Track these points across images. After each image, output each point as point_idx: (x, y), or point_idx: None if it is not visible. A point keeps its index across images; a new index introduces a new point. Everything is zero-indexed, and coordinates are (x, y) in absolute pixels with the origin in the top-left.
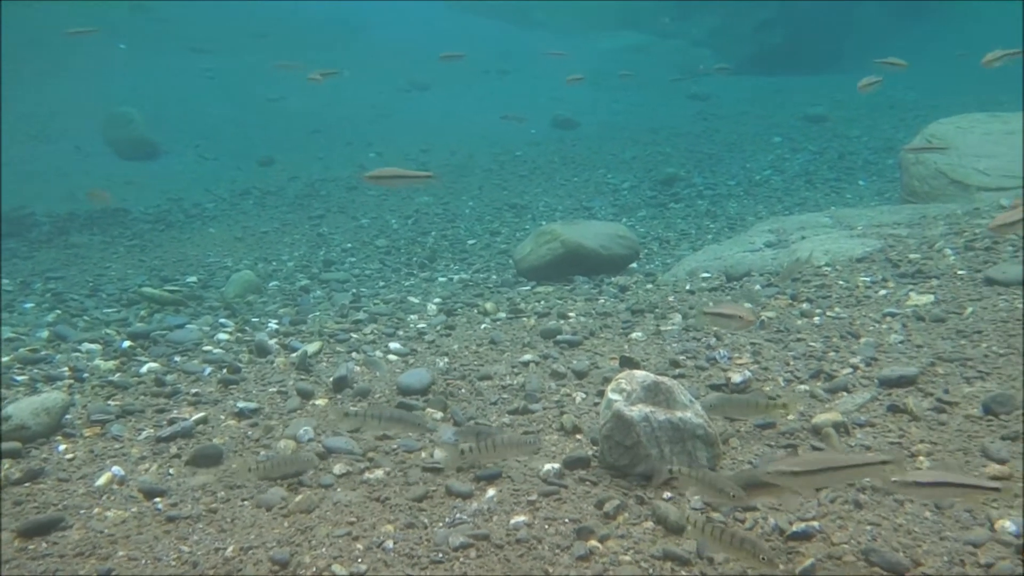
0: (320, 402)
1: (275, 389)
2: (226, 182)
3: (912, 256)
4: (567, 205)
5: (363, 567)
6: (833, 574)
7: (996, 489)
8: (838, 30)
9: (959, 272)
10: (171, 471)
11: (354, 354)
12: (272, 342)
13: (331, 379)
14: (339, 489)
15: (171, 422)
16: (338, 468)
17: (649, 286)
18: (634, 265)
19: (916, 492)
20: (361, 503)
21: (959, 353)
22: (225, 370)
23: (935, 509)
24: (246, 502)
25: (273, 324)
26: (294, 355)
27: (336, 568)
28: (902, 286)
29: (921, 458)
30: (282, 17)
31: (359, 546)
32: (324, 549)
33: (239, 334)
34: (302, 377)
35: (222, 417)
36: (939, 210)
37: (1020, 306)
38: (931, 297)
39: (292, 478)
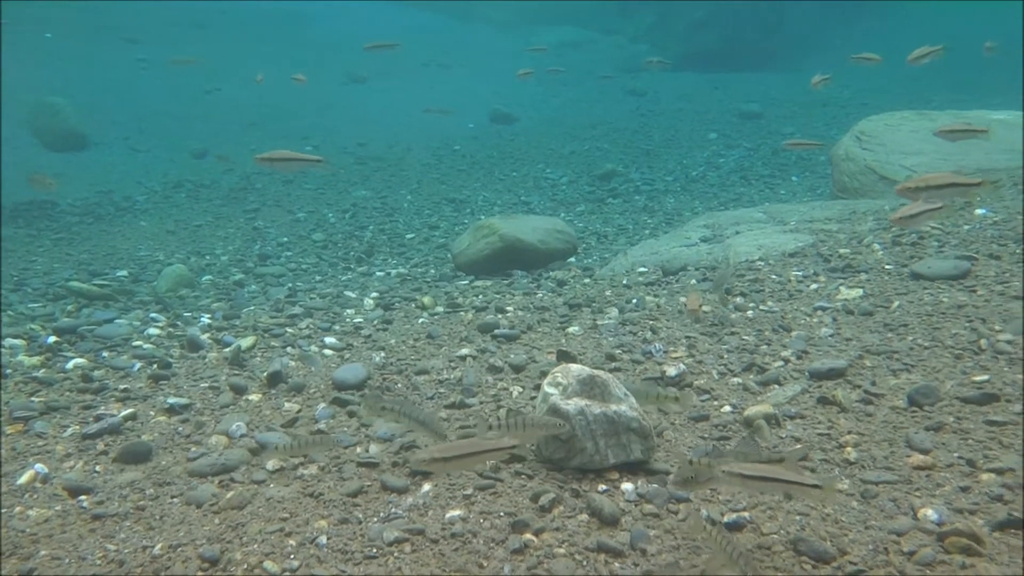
0: (253, 397)
1: (207, 384)
2: (158, 175)
3: (842, 251)
4: (506, 200)
5: (295, 563)
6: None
7: (817, 487)
8: (771, 29)
9: (887, 266)
10: (98, 468)
11: (289, 349)
12: (204, 337)
13: (265, 374)
14: (272, 485)
15: (98, 419)
16: (271, 463)
17: (587, 280)
18: (572, 259)
19: (742, 483)
20: (295, 499)
21: (886, 346)
22: (155, 365)
23: (861, 499)
24: (176, 499)
25: (206, 319)
26: (227, 350)
27: (268, 565)
28: (832, 280)
29: (849, 449)
30: (224, 8)
31: (292, 542)
32: (256, 546)
33: (170, 329)
34: (235, 372)
35: (151, 413)
36: (868, 206)
37: (944, 300)
38: (860, 291)
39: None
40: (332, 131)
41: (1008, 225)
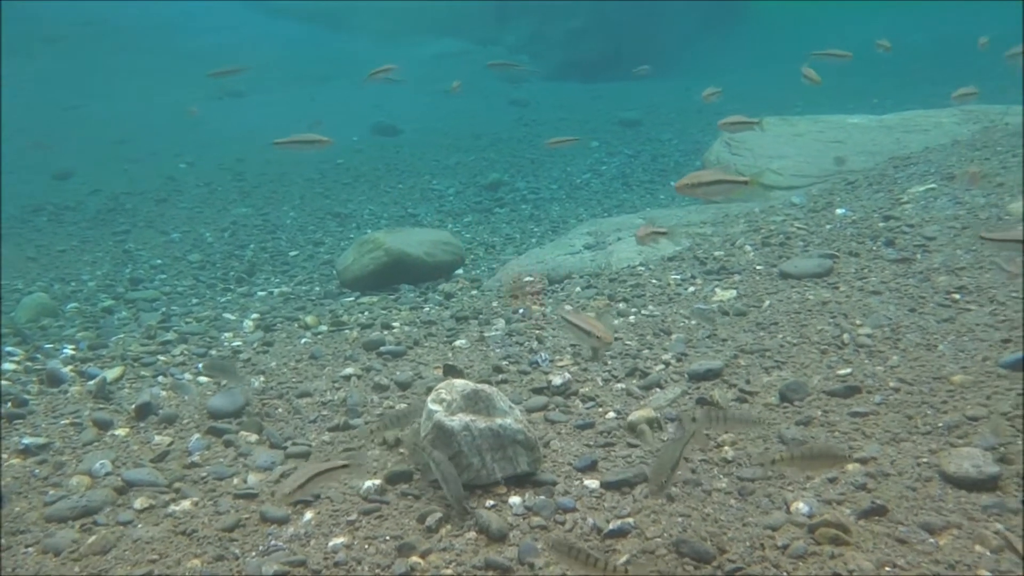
0: (120, 432)
1: (68, 421)
2: (16, 198)
3: (717, 253)
4: (392, 213)
5: None
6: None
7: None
8: (647, 38)
9: (758, 267)
10: None
11: (160, 378)
12: (66, 369)
13: (133, 406)
14: (140, 525)
15: None
16: (139, 502)
17: (474, 292)
18: (460, 271)
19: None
20: (165, 538)
21: (759, 345)
22: (9, 403)
23: (739, 496)
24: (30, 548)
25: (68, 350)
26: (91, 383)
27: None
28: (708, 282)
29: (726, 448)
30: (88, 19)
31: None
32: None
33: (28, 363)
34: (100, 406)
35: (4, 456)
36: (739, 209)
37: (810, 297)
38: (734, 292)
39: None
40: (208, 146)
41: (865, 223)
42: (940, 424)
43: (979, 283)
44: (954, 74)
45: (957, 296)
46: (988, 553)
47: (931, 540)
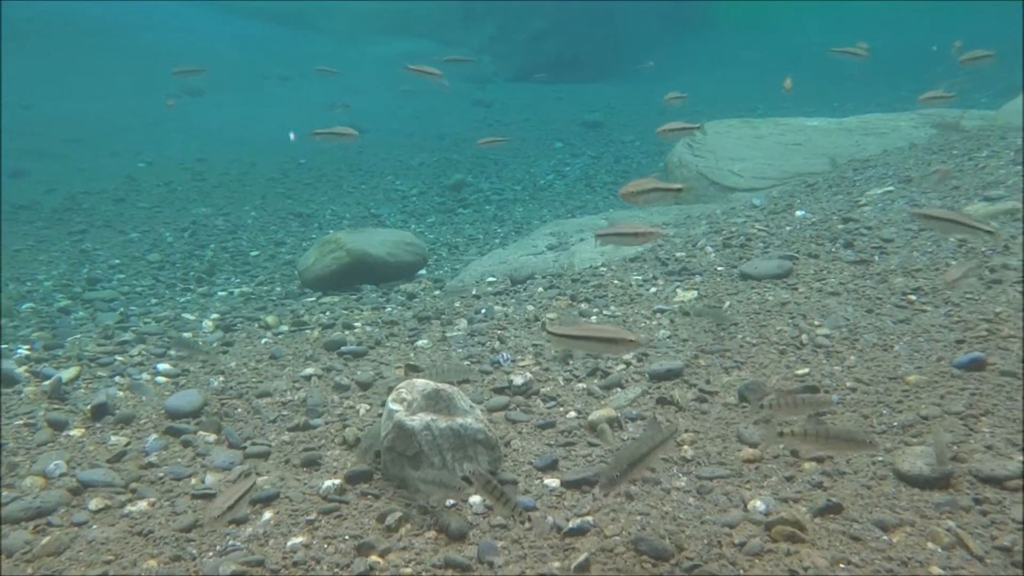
0: (75, 432)
1: (21, 422)
2: None
3: (678, 254)
4: (355, 213)
5: None
6: (604, 568)
7: None
8: (609, 41)
9: (719, 268)
10: None
11: (117, 378)
12: (20, 370)
13: (89, 407)
14: (95, 526)
15: None
16: (94, 503)
17: (437, 292)
18: (423, 272)
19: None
20: (120, 539)
21: (719, 345)
22: None
23: (697, 495)
24: None
25: (23, 350)
26: (46, 383)
27: None
28: (670, 283)
29: (686, 447)
30: (46, 18)
31: None
32: None
33: None
34: (55, 406)
35: None
36: (701, 210)
37: (770, 298)
38: (695, 293)
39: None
40: (166, 146)
41: (824, 225)
42: (895, 423)
43: (935, 285)
44: (913, 78)
45: (913, 297)
46: (940, 550)
47: (885, 537)
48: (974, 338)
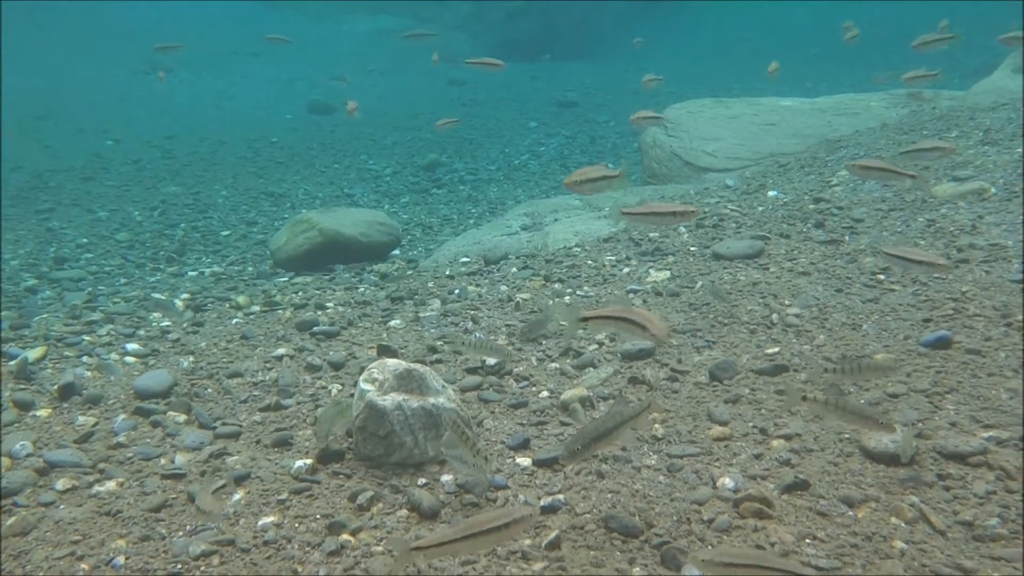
0: (42, 413)
1: None
2: None
3: (652, 235)
4: (328, 192)
5: None
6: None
7: None
8: (582, 20)
9: (691, 248)
10: None
11: (85, 358)
12: None
13: (56, 387)
14: (62, 506)
15: None
16: (61, 484)
17: (410, 273)
18: (396, 252)
19: None
20: (88, 519)
21: (690, 325)
22: None
23: (667, 472)
24: None
25: None
26: (12, 362)
27: None
28: (643, 263)
29: (657, 425)
30: None
31: (84, 566)
32: (41, 574)
33: None
34: (21, 386)
35: None
36: (675, 190)
37: (741, 278)
38: (668, 273)
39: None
40: (134, 123)
41: (796, 205)
42: (862, 401)
43: None
44: (886, 58)
45: (882, 277)
46: (903, 525)
47: (850, 513)
48: (941, 317)
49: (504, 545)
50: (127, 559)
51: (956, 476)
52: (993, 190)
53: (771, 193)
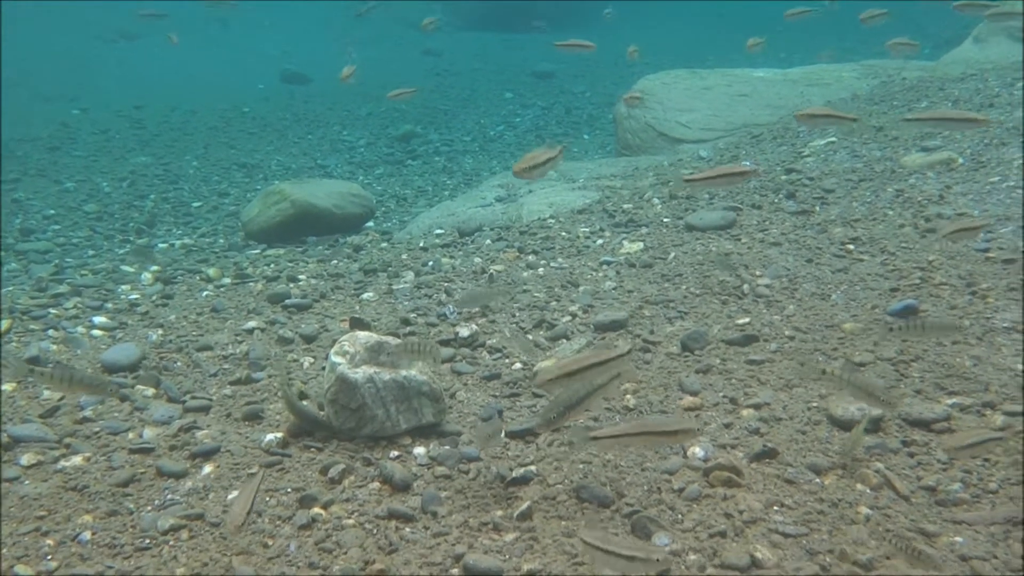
0: (6, 387)
1: None
2: None
3: (625, 206)
4: (301, 164)
5: (52, 564)
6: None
7: None
8: None
9: (664, 220)
10: None
11: (51, 332)
12: None
13: (21, 360)
14: (27, 482)
15: None
16: (26, 458)
17: (384, 245)
18: (370, 224)
19: None
20: (54, 495)
21: (663, 296)
22: None
23: None
24: None
25: None
26: None
27: (19, 569)
28: (617, 235)
29: (628, 396)
30: None
31: (49, 542)
32: (5, 550)
33: None
34: None
35: None
36: (648, 162)
37: (714, 249)
38: (641, 244)
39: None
40: (102, 92)
41: (768, 176)
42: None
43: (872, 234)
44: (857, 30)
45: (851, 247)
46: (868, 491)
47: (817, 480)
48: (908, 286)
49: (666, 448)
50: (94, 534)
51: (920, 442)
52: (961, 160)
53: (744, 164)
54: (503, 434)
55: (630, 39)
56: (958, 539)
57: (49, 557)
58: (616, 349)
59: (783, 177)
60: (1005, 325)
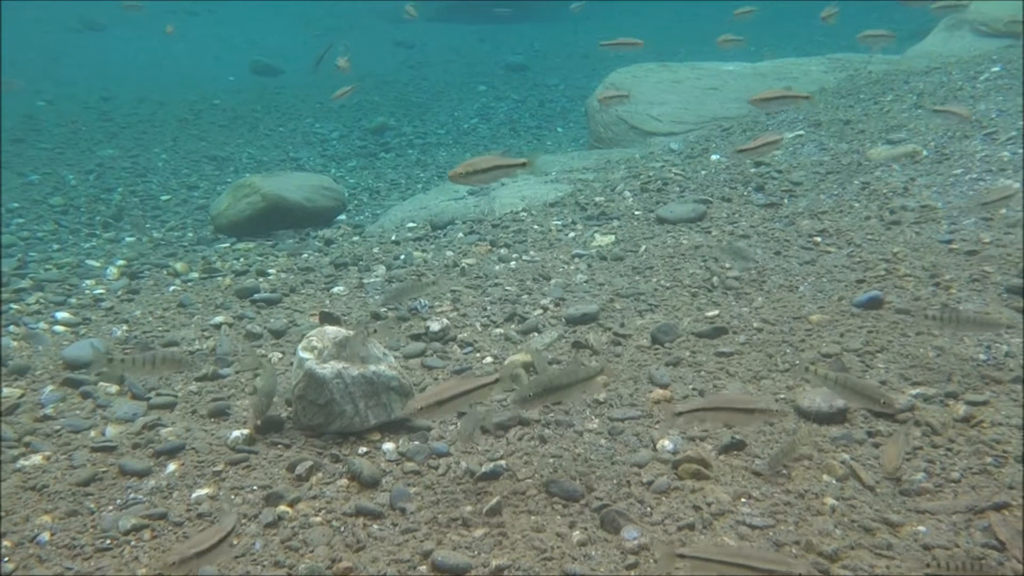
0: None
1: None
2: None
3: (597, 199)
4: (273, 156)
5: (10, 567)
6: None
7: None
8: None
9: (636, 212)
10: None
11: (12, 327)
12: None
13: None
14: None
15: None
16: None
17: (356, 238)
18: (342, 217)
19: None
20: (12, 494)
21: (634, 288)
22: None
23: (609, 436)
24: None
25: None
26: None
27: None
28: (588, 228)
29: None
30: None
31: (6, 543)
32: None
33: None
34: None
35: None
36: (620, 155)
37: (684, 242)
38: (612, 237)
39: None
40: (67, 83)
41: (738, 169)
42: (797, 362)
43: (839, 226)
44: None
45: (818, 239)
46: (834, 481)
47: (784, 471)
48: (873, 277)
49: (747, 425)
50: (52, 535)
51: (886, 433)
52: (925, 152)
53: (713, 157)
54: (481, 430)
55: (601, 33)
56: (921, 528)
57: (7, 559)
58: (487, 376)
59: (752, 170)
60: None
